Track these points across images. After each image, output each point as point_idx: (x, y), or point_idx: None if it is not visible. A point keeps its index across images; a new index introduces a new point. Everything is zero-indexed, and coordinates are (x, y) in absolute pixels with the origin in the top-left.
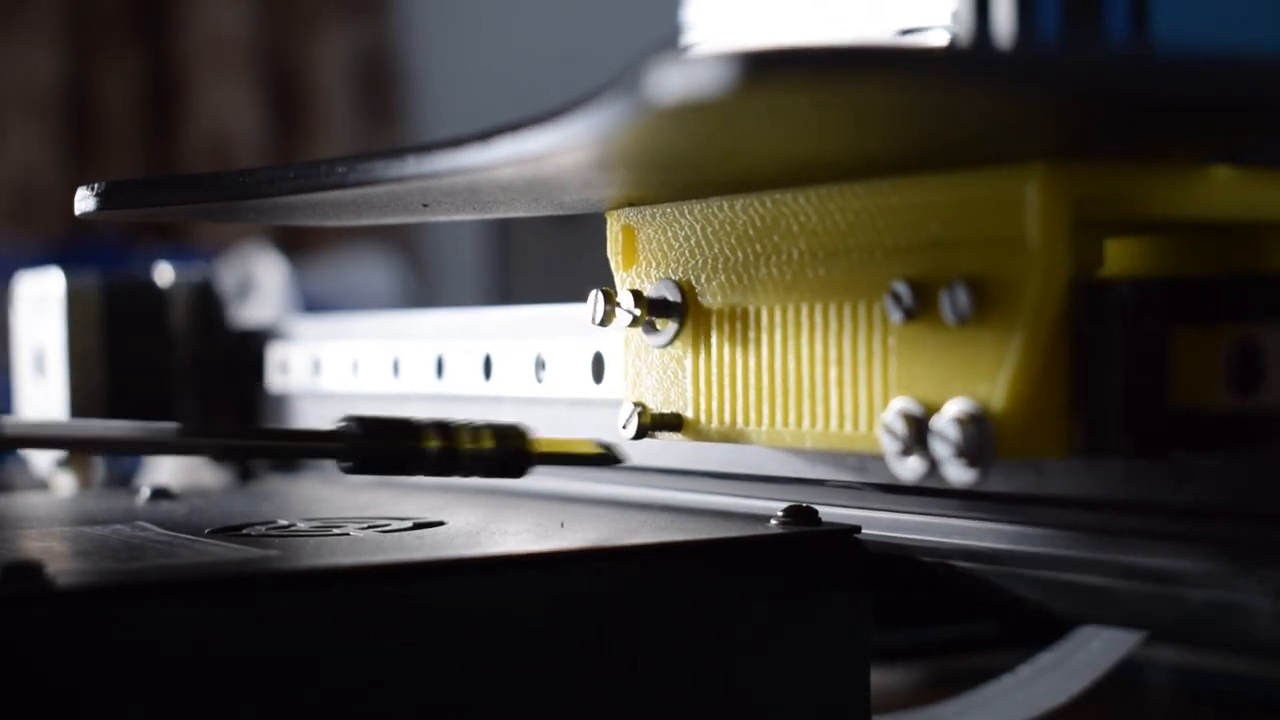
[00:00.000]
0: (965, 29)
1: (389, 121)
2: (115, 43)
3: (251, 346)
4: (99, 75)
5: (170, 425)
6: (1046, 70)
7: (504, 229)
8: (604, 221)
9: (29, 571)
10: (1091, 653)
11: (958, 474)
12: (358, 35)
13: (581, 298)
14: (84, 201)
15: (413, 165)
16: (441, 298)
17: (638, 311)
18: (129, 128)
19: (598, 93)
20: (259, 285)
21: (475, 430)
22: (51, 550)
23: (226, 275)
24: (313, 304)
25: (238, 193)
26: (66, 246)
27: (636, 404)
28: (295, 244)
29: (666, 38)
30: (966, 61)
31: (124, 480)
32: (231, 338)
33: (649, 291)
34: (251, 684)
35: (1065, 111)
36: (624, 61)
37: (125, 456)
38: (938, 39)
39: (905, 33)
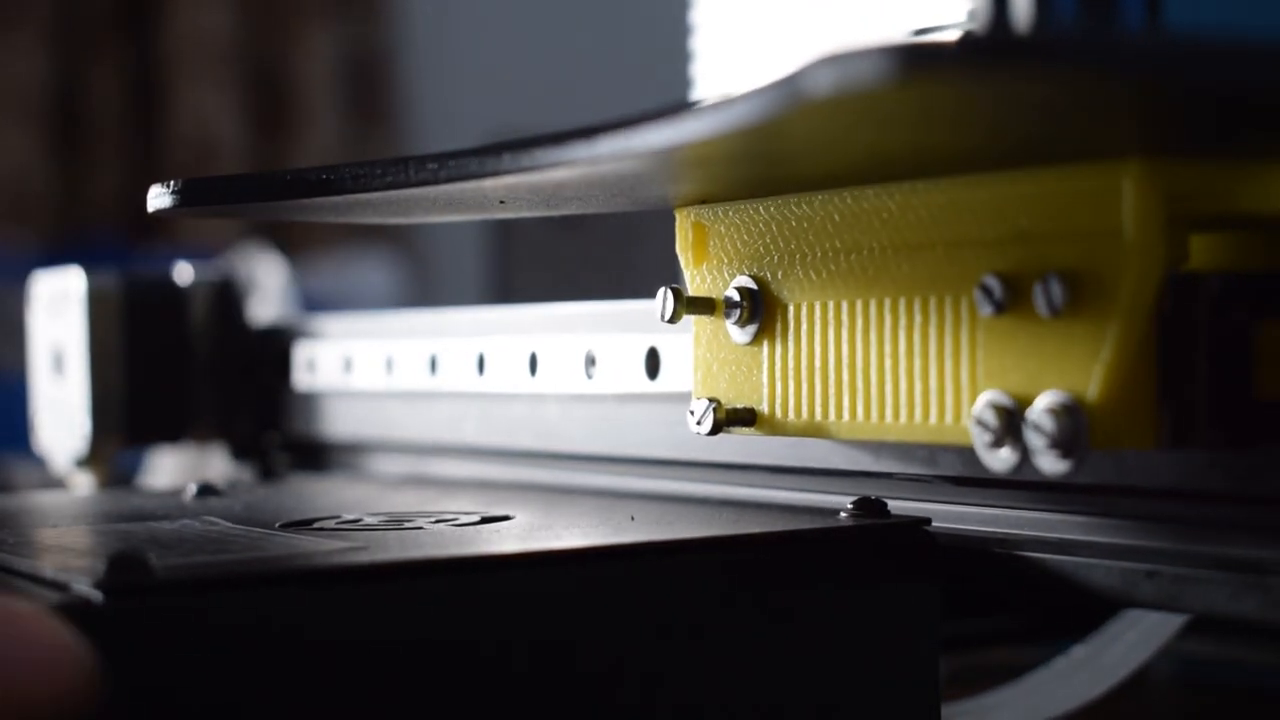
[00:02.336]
0: (982, 20)
1: (375, 123)
2: (102, 44)
3: (272, 345)
4: (86, 76)
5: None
6: (1190, 63)
7: (504, 229)
8: (606, 222)
9: (134, 563)
10: (1127, 645)
11: (1051, 465)
12: (343, 36)
13: (582, 296)
14: (159, 199)
15: (508, 161)
16: (441, 297)
17: (745, 305)
18: (116, 129)
19: (747, 87)
20: (260, 284)
21: None
22: (135, 544)
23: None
24: (313, 304)
25: (322, 189)
26: (67, 247)
27: (711, 399)
28: (295, 244)
29: (666, 39)
30: (1122, 52)
31: (124, 480)
32: (251, 336)
33: (732, 287)
34: (359, 672)
35: (1184, 105)
36: (614, 61)
37: (133, 451)
38: (953, 35)
39: (920, 31)
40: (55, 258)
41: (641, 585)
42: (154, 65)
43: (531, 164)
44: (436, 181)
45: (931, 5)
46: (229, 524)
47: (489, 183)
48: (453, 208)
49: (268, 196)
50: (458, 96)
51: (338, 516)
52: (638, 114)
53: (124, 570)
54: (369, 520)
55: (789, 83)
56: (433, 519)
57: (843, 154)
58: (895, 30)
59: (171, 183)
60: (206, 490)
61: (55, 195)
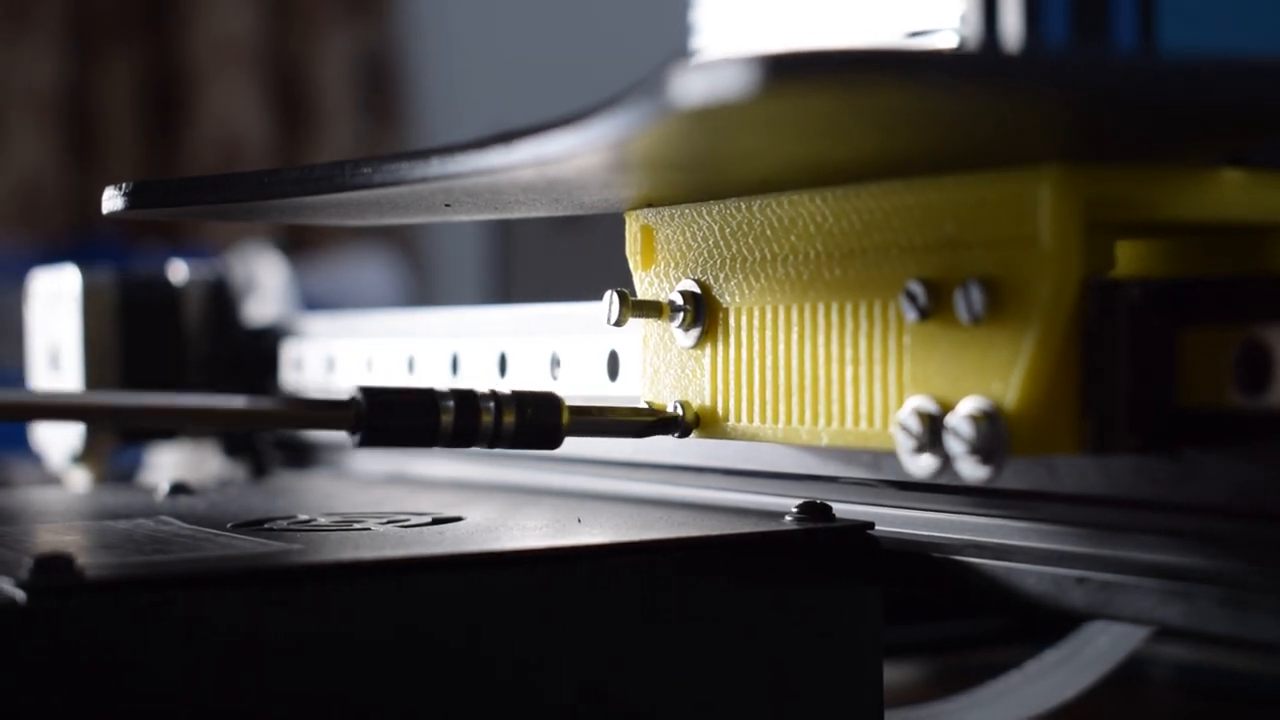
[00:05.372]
0: (973, 33)
1: (389, 123)
2: (118, 45)
3: (264, 344)
4: (101, 78)
5: (159, 396)
6: (1061, 74)
7: (505, 228)
8: (607, 222)
9: (60, 564)
10: (1098, 648)
11: (971, 471)
12: (358, 36)
13: (586, 296)
14: (111, 201)
15: (436, 166)
16: (442, 298)
17: (689, 309)
18: (131, 130)
19: (620, 95)
20: (260, 284)
21: (501, 400)
22: (78, 544)
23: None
24: (313, 303)
25: (262, 193)
26: (69, 245)
27: (654, 403)
28: (296, 243)
29: (672, 40)
30: (984, 65)
31: (127, 476)
32: (244, 335)
33: (676, 290)
34: (274, 675)
35: (1078, 115)
36: (626, 62)
37: (131, 448)
38: (946, 42)
39: (913, 36)
40: (63, 257)
41: (580, 588)
42: (170, 67)
43: (458, 170)
44: (370, 185)
45: (927, 9)
46: (181, 524)
47: (422, 187)
48: (399, 211)
49: (213, 199)
50: (473, 96)
51: (293, 517)
52: (523, 127)
53: (49, 571)
54: (321, 521)
55: (654, 95)
56: (385, 520)
57: (744, 162)
58: (890, 34)
59: (123, 185)
60: (179, 489)
61: (68, 195)
